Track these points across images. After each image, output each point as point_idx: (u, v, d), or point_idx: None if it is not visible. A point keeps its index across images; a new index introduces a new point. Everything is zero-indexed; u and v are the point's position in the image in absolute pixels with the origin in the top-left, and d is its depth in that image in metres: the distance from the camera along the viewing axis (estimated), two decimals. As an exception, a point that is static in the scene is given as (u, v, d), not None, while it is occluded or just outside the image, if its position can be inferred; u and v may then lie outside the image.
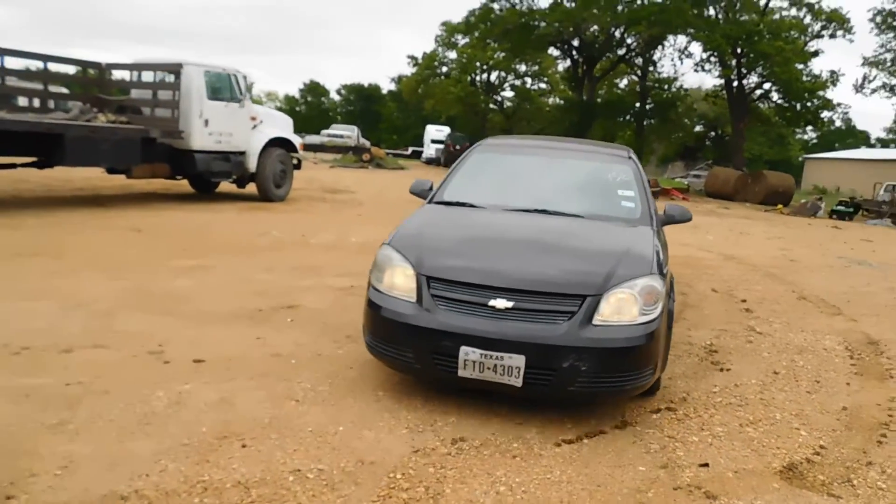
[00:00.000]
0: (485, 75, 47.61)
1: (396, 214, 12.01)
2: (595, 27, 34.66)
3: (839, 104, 30.06)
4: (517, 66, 45.08)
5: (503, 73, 47.14)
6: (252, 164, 12.36)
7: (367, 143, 42.25)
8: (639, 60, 39.29)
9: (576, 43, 37.88)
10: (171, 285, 5.96)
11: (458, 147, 43.88)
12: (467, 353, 3.41)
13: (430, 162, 46.92)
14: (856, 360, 5.33)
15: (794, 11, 29.92)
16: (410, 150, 56.33)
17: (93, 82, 12.19)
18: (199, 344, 4.47)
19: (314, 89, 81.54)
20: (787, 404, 4.26)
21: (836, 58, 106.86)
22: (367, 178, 23.87)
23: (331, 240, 9.03)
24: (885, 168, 40.92)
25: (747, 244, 12.14)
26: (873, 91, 28.89)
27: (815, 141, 57.73)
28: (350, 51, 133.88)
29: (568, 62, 41.31)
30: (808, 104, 30.28)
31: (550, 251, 4.02)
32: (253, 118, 12.39)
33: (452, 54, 45.76)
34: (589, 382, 3.48)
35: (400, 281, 3.76)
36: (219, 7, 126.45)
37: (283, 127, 13.36)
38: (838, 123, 42.78)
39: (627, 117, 41.78)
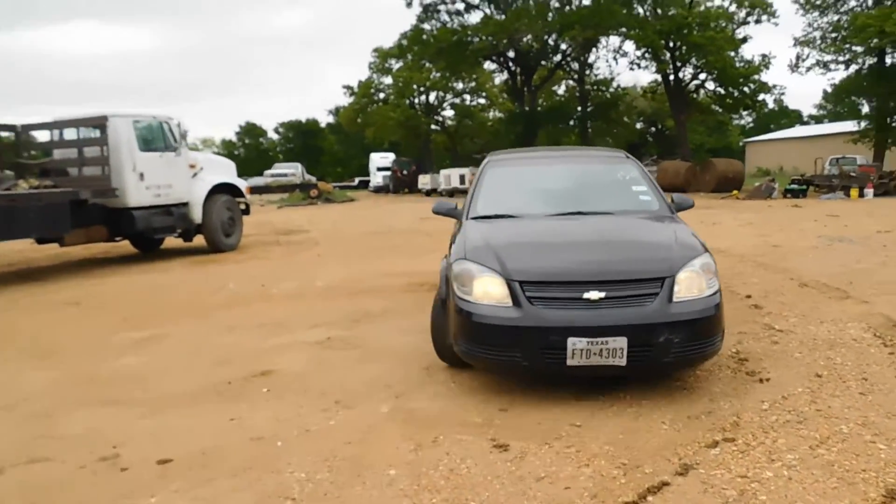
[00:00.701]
0: (423, 97, 47.40)
1: (358, 251, 11.45)
2: (529, 36, 34.77)
3: (775, 86, 30.81)
4: (454, 84, 45.01)
5: (441, 93, 47.01)
6: (197, 214, 11.52)
7: (313, 179, 41.44)
8: (575, 65, 39.65)
9: (511, 54, 37.99)
10: (119, 365, 5.15)
11: (405, 172, 43.46)
12: (575, 342, 3.73)
13: (378, 190, 46.31)
14: (890, 346, 4.90)
15: (718, 1, 30.68)
16: (357, 180, 55.72)
17: (9, 147, 11.17)
18: (162, 438, 3.71)
19: (251, 130, 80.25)
20: (847, 412, 3.75)
21: (765, 41, 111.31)
22: (319, 214, 23.10)
23: (294, 287, 8.28)
24: (822, 143, 42.23)
25: (723, 234, 11.86)
26: (808, 69, 29.70)
27: (751, 125, 59.42)
28: (283, 88, 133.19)
29: (506, 74, 41.39)
30: (745, 89, 30.90)
31: (613, 245, 4.51)
32: (192, 166, 11.56)
33: (388, 79, 45.46)
34: (680, 352, 3.90)
35: (492, 289, 4.02)
36: (140, 58, 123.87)
37: (225, 172, 12.57)
38: (772, 105, 43.93)
39: (571, 122, 42.03)
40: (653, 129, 52.55)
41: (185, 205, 11.40)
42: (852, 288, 6.89)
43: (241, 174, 14.92)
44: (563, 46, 36.76)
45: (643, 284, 3.99)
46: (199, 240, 11.94)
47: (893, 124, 28.00)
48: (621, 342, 3.74)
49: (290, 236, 14.78)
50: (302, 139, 76.23)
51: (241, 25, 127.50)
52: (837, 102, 68.26)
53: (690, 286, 4.03)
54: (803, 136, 51.89)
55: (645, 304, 3.91)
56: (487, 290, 4.03)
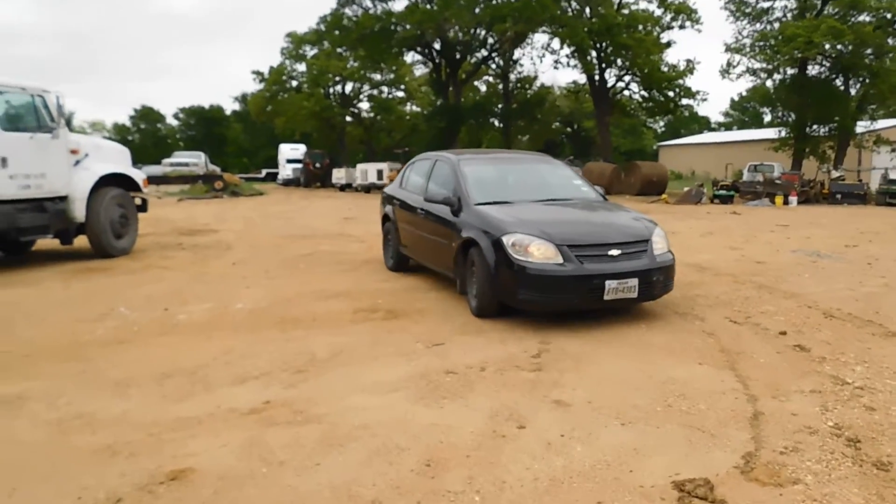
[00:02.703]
0: (339, 87, 45.06)
1: (281, 260, 9.59)
2: (457, 28, 33.28)
3: (698, 91, 31.02)
4: (372, 76, 42.96)
5: (358, 84, 44.82)
6: (79, 211, 9.34)
7: (218, 170, 38.37)
8: (500, 61, 38.63)
9: (437, 46, 36.44)
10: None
11: (318, 165, 41.01)
12: (610, 284, 5.45)
13: (287, 183, 43.61)
14: None
15: (643, 5, 30.46)
16: (265, 172, 52.53)
17: None
18: None
19: (147, 115, 74.64)
20: None
21: (688, 47, 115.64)
22: (226, 210, 20.76)
23: (207, 312, 6.46)
24: (730, 149, 43.53)
25: (692, 245, 10.92)
26: (738, 76, 30.04)
27: (663, 129, 60.90)
28: (185, 72, 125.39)
29: (430, 67, 39.78)
30: (670, 93, 30.95)
31: (602, 220, 6.29)
32: (74, 151, 9.36)
33: (302, 67, 42.83)
34: (661, 287, 5.89)
35: (546, 251, 5.52)
36: (27, 34, 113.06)
37: (117, 160, 10.36)
38: (697, 110, 44.93)
39: (494, 120, 41.08)
40: (568, 129, 52.66)
41: (64, 199, 9.21)
42: (883, 318, 5.93)
43: (136, 162, 12.69)
44: (492, 41, 35.65)
45: (639, 244, 5.83)
46: (81, 241, 9.73)
47: (812, 134, 28.78)
48: (634, 281, 5.52)
49: (196, 237, 12.66)
50: (205, 127, 71.56)
51: (139, 1, 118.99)
52: (743, 111, 71.88)
53: (659, 245, 5.98)
54: (712, 143, 53.58)
55: (642, 257, 5.74)
56: (543, 252, 5.52)
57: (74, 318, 6.15)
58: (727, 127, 71.82)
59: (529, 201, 6.53)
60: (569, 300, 5.53)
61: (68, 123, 9.70)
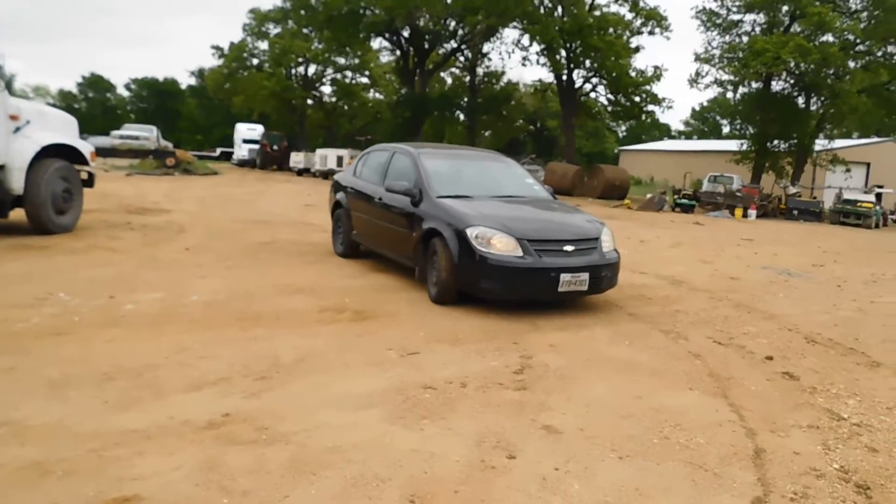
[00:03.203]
0: (301, 68, 43.89)
1: (239, 248, 9.00)
2: (427, 16, 32.63)
3: (664, 98, 31.25)
4: (336, 59, 41.95)
5: (321, 67, 43.73)
6: (17, 182, 8.56)
7: (170, 146, 36.88)
8: (468, 54, 38.17)
9: (406, 34, 35.72)
10: None
11: (275, 148, 39.90)
12: (564, 277, 5.90)
13: (243, 164, 42.30)
14: None
15: (614, 8, 30.51)
16: (219, 151, 50.87)
17: None
18: None
19: (96, 83, 71.41)
20: None
21: (656, 55, 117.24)
22: (178, 188, 19.83)
23: (158, 302, 5.92)
24: (690, 158, 44.24)
25: (663, 257, 10.83)
26: (707, 86, 30.40)
27: (624, 133, 61.54)
28: (139, 40, 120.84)
29: (398, 54, 38.99)
30: (637, 98, 31.11)
31: (556, 218, 6.77)
32: (14, 117, 8.57)
33: (264, 45, 41.53)
34: (608, 282, 6.39)
35: (508, 245, 5.93)
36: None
37: (63, 129, 9.57)
38: (662, 116, 45.42)
39: (460, 113, 40.63)
40: (531, 127, 52.69)
41: (1, 168, 8.45)
42: (864, 346, 5.85)
43: (83, 133, 11.86)
44: (462, 32, 35.12)
45: (590, 241, 6.25)
46: (17, 215, 8.96)
47: (774, 149, 29.34)
48: (585, 276, 5.95)
49: (146, 217, 11.91)
50: (158, 99, 68.91)
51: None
52: (704, 121, 73.29)
53: (607, 242, 6.40)
54: (672, 150, 54.38)
55: (592, 254, 6.16)
56: (505, 245, 5.86)
57: (6, 303, 5.53)
58: (687, 136, 73.13)
59: (488, 197, 6.91)
60: (527, 291, 6.02)
61: (8, 87, 8.89)
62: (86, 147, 9.78)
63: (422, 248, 6.60)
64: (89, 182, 9.96)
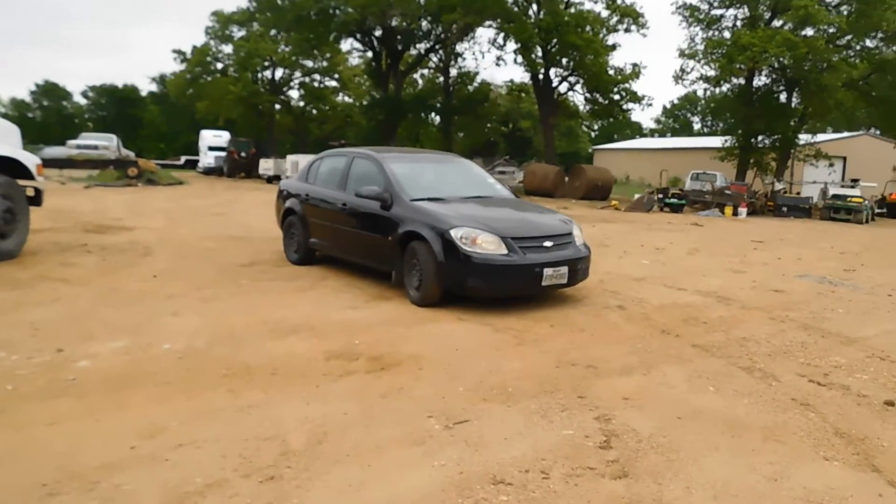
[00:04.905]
0: (268, 72, 42.28)
1: (216, 273, 7.62)
2: (401, 15, 31.37)
3: (644, 96, 30.53)
4: (304, 62, 40.44)
5: (288, 70, 42.18)
6: (-53, 203, 7.21)
7: (132, 155, 35.02)
8: (442, 54, 37.04)
9: (378, 34, 34.38)
10: None
11: (243, 154, 38.21)
12: (547, 271, 6.19)
13: (209, 172, 40.48)
14: None
15: (589, 5, 29.75)
16: (184, 159, 48.89)
17: None
18: None
19: (51, 91, 68.51)
20: None
21: (633, 53, 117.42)
22: (142, 200, 18.34)
23: (120, 354, 4.69)
24: (664, 156, 43.84)
25: (688, 267, 9.85)
26: (692, 82, 29.77)
27: (596, 132, 61.02)
28: (96, 47, 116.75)
29: (370, 55, 37.59)
30: (616, 97, 30.38)
31: (531, 216, 7.06)
32: (-58, 126, 7.23)
33: (228, 48, 39.86)
34: (582, 274, 6.75)
35: (492, 243, 6.12)
36: None
37: (1, 139, 8.23)
38: (640, 115, 45.03)
39: (435, 115, 39.45)
40: (503, 128, 51.86)
41: (-73, 188, 7.08)
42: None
43: (38, 142, 10.43)
44: (437, 31, 33.96)
45: (565, 237, 6.71)
46: (-49, 242, 7.58)
47: (758, 145, 28.83)
48: (565, 270, 6.35)
49: (106, 237, 10.53)
50: (117, 107, 66.27)
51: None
52: (675, 119, 73.31)
53: (578, 237, 6.90)
54: (646, 148, 53.98)
55: (568, 248, 6.62)
56: (490, 244, 6.14)
57: (-81, 366, 4.26)
58: (660, 133, 73.08)
59: (459, 198, 7.07)
60: (513, 286, 6.31)
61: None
62: (31, 159, 8.41)
63: (399, 252, 6.61)
64: (36, 199, 8.59)
